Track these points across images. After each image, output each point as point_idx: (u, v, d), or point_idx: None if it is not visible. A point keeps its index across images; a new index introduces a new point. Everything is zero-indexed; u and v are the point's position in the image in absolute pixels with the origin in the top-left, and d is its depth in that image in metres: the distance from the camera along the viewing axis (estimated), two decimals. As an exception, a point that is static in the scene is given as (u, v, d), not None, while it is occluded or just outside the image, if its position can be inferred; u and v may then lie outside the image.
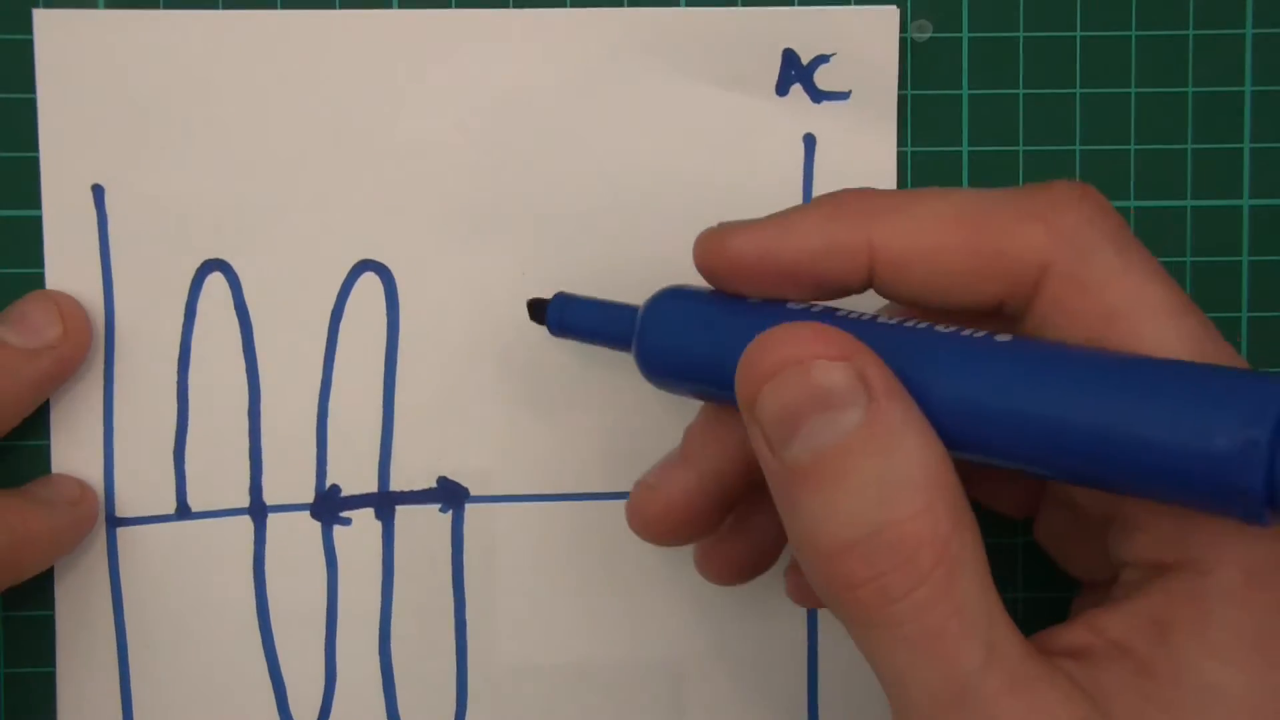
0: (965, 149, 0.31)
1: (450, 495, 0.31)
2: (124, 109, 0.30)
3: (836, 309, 0.24)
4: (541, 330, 0.30)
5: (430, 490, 0.31)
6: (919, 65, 0.31)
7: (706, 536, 0.27)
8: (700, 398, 0.26)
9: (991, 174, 0.31)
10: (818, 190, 0.31)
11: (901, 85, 0.31)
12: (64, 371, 0.30)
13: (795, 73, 0.31)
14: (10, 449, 0.31)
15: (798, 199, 0.31)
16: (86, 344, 0.30)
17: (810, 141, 0.31)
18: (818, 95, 0.31)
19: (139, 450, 0.31)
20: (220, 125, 0.30)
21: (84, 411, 0.31)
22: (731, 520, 0.28)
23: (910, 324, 0.23)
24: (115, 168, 0.30)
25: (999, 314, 0.24)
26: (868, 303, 0.25)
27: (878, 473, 0.21)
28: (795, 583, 0.28)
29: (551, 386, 0.31)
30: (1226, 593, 0.21)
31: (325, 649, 0.31)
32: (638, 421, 0.31)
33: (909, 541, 0.21)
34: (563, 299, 0.27)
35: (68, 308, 0.30)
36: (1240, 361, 0.23)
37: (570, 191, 0.31)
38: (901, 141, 0.31)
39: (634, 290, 0.30)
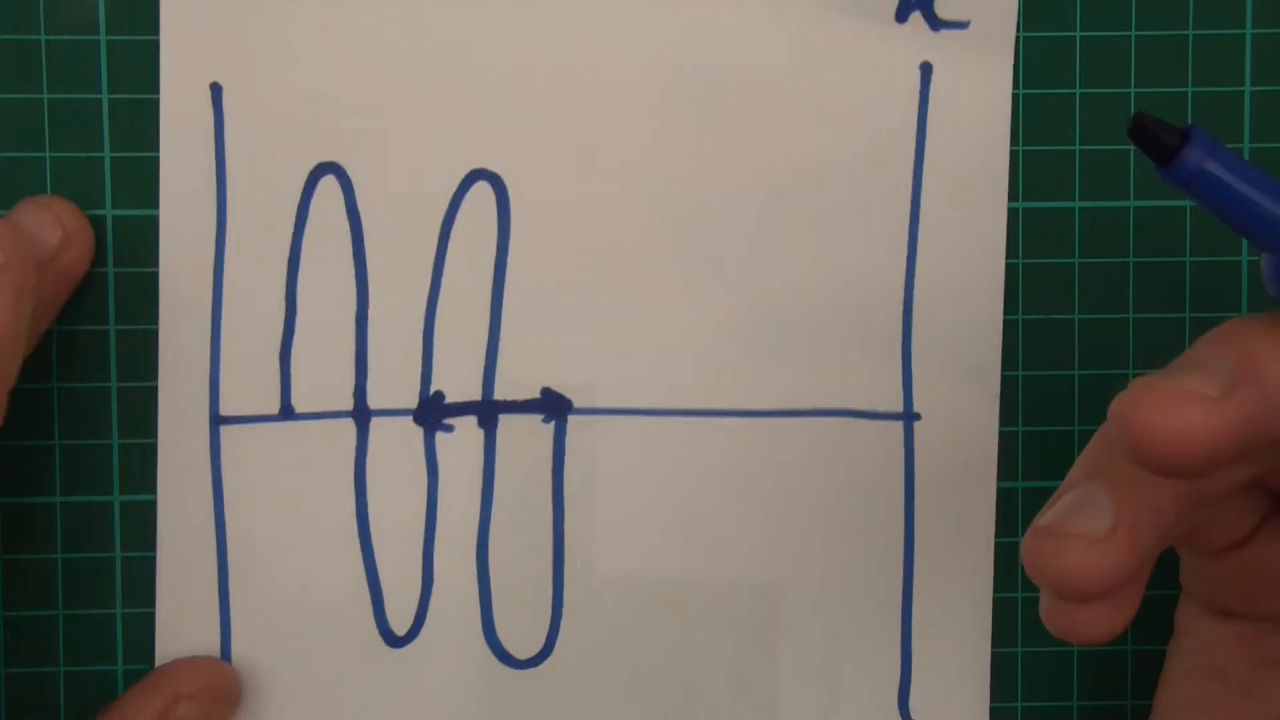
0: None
1: (554, 406, 0.31)
2: (246, 6, 0.30)
3: None
4: (656, 239, 0.30)
5: (534, 401, 0.31)
6: None
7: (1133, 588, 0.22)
8: None
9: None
10: (933, 121, 0.31)
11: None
12: (71, 279, 0.29)
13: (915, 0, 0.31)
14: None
15: (912, 129, 0.31)
16: (89, 247, 0.29)
17: (927, 70, 0.31)
18: (936, 23, 0.31)
19: (245, 350, 0.31)
20: (340, 25, 0.30)
21: (193, 307, 0.31)
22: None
23: None
24: (234, 66, 0.31)
25: None
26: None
27: None
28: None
29: (660, 301, 0.31)
30: None
31: (423, 557, 0.31)
32: (741, 339, 0.31)
33: None
34: (1212, 142, 0.21)
35: (66, 212, 0.29)
36: None
37: (680, 105, 0.31)
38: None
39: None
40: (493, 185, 0.31)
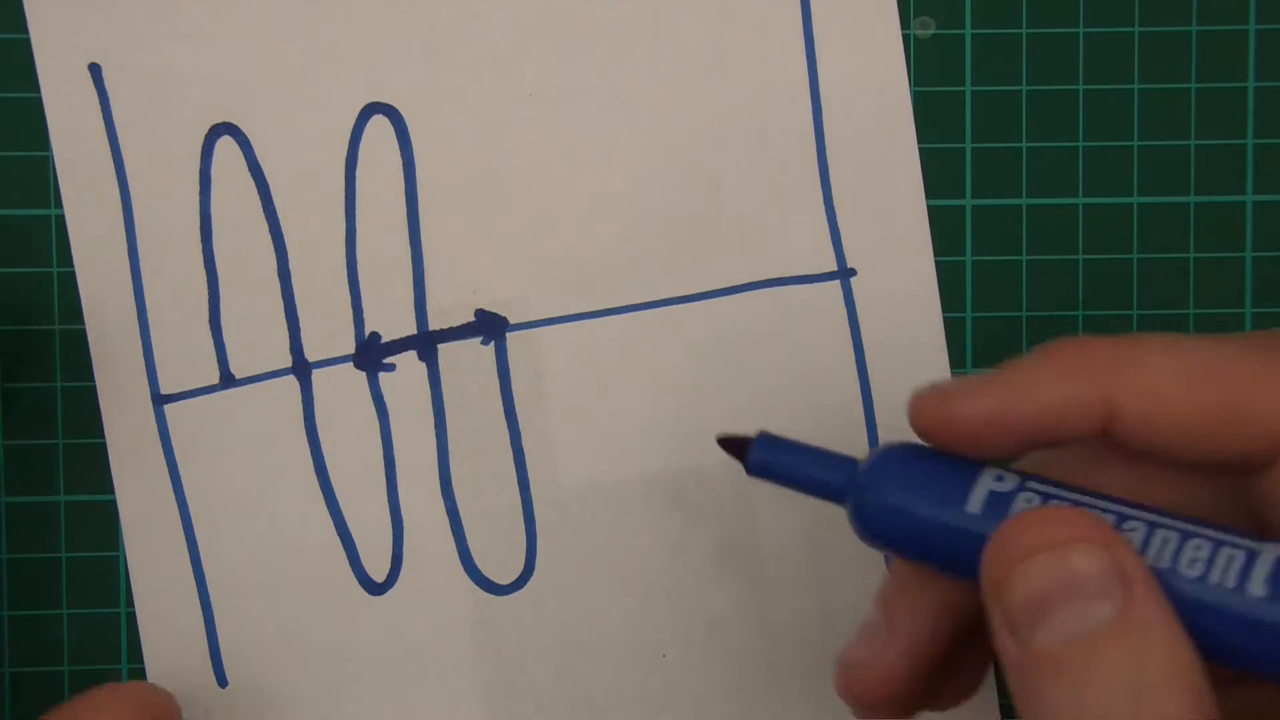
0: (968, 145, 0.31)
1: (490, 326, 0.31)
2: (110, -19, 0.30)
3: (1091, 492, 0.23)
4: (562, 146, 0.30)
5: (469, 325, 0.31)
6: (922, 62, 0.31)
7: (920, 706, 0.26)
8: (916, 563, 0.24)
9: (995, 170, 0.31)
10: (822, 57, 0.31)
11: (902, 83, 0.31)
12: None
13: None
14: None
15: (801, 54, 0.31)
16: None
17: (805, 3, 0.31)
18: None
19: (175, 325, 0.31)
20: (208, -15, 0.30)
21: (114, 294, 0.31)
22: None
23: (1167, 519, 0.22)
24: (110, 44, 0.30)
25: (1240, 469, 0.23)
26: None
27: (1129, 670, 0.20)
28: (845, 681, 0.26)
29: (575, 203, 0.31)
30: None
31: (388, 499, 0.31)
32: (663, 224, 0.31)
33: None
34: (768, 441, 0.25)
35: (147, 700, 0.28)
36: None
37: (568, 13, 0.31)
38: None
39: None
40: (390, 117, 0.31)
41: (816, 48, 0.31)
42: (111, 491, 0.31)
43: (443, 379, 0.31)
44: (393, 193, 0.31)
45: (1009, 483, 0.23)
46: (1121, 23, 0.31)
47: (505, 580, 0.31)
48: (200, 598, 0.31)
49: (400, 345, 0.31)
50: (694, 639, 0.31)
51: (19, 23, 0.30)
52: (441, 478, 0.31)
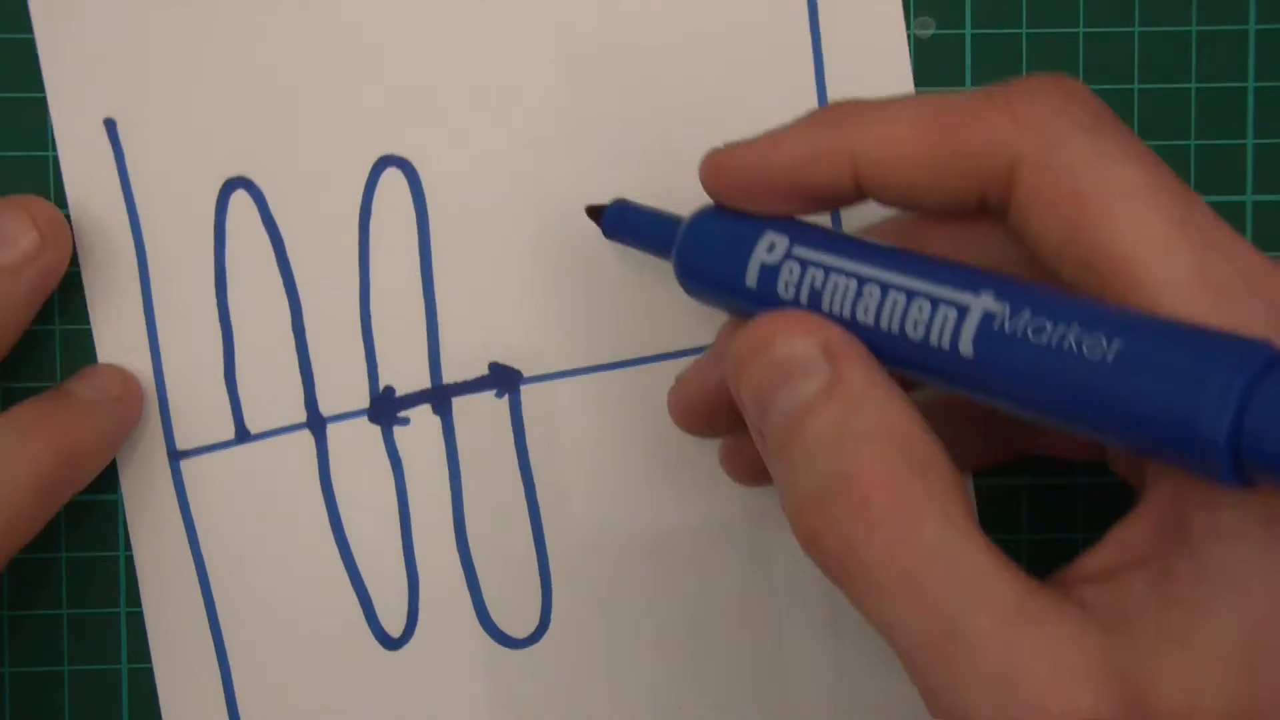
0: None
1: (504, 379, 0.31)
2: (126, 37, 0.30)
3: (847, 251, 0.23)
4: (570, 200, 0.30)
5: (483, 378, 0.31)
6: (922, 62, 0.30)
7: (738, 430, 0.28)
8: (730, 313, 0.26)
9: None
10: (825, 32, 0.30)
11: (903, 83, 0.31)
12: (51, 282, 0.29)
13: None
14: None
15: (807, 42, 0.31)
16: (67, 246, 0.29)
17: None
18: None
19: (190, 380, 0.31)
20: (224, 40, 0.30)
21: (130, 349, 0.31)
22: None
23: (905, 277, 0.22)
24: (125, 98, 0.30)
25: (985, 209, 0.23)
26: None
27: (835, 428, 0.21)
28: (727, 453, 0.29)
29: (590, 255, 0.31)
30: None
31: (404, 552, 0.31)
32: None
33: (861, 487, 0.21)
34: (621, 206, 0.28)
35: (42, 212, 0.28)
36: (1224, 231, 0.21)
37: (578, 60, 0.30)
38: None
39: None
40: (403, 170, 0.31)
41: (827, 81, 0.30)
42: (112, 491, 0.31)
43: (457, 432, 0.31)
44: (406, 245, 0.31)
45: (778, 252, 0.24)
46: (1121, 23, 0.31)
47: (521, 635, 0.31)
48: (217, 651, 0.31)
49: (415, 399, 0.31)
50: (709, 693, 0.31)
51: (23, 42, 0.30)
52: (456, 531, 0.31)
